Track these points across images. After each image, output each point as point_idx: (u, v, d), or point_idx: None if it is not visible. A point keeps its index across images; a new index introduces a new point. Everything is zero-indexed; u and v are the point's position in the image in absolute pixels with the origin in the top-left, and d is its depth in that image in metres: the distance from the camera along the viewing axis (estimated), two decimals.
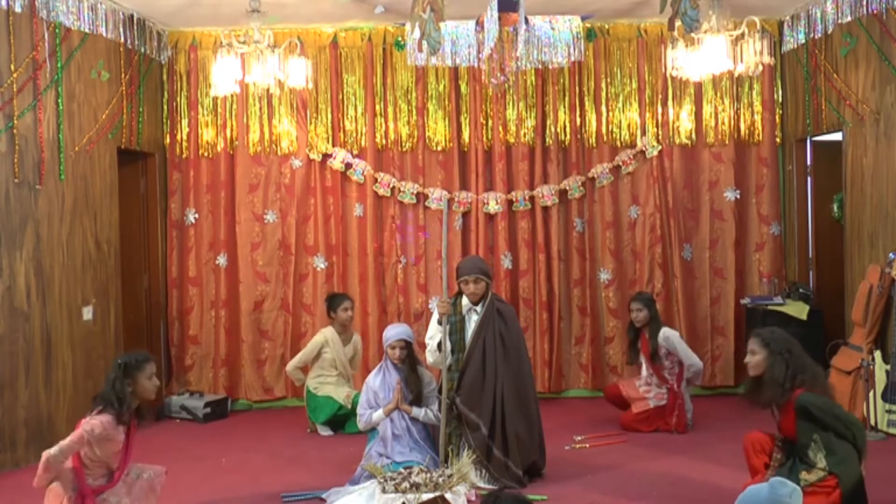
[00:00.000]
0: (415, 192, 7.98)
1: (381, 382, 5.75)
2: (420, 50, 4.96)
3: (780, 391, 4.41)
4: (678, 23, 4.95)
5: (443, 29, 5.16)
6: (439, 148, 8.01)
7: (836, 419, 4.35)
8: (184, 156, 8.01)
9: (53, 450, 4.03)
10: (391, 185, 7.98)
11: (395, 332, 5.78)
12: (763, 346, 4.52)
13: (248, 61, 6.18)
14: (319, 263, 8.02)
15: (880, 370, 6.30)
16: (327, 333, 7.13)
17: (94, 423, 4.16)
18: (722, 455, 5.84)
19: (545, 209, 8.01)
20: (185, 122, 7.99)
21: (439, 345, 5.58)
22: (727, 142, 8.04)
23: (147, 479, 4.42)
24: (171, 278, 8.00)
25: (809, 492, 4.27)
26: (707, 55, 5.70)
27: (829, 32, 7.20)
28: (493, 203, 7.94)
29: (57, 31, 6.39)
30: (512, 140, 8.00)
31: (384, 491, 5.05)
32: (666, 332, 6.72)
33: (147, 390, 4.35)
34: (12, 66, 6.01)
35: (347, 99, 8.00)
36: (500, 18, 5.42)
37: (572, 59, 5.97)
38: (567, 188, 7.99)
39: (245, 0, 6.33)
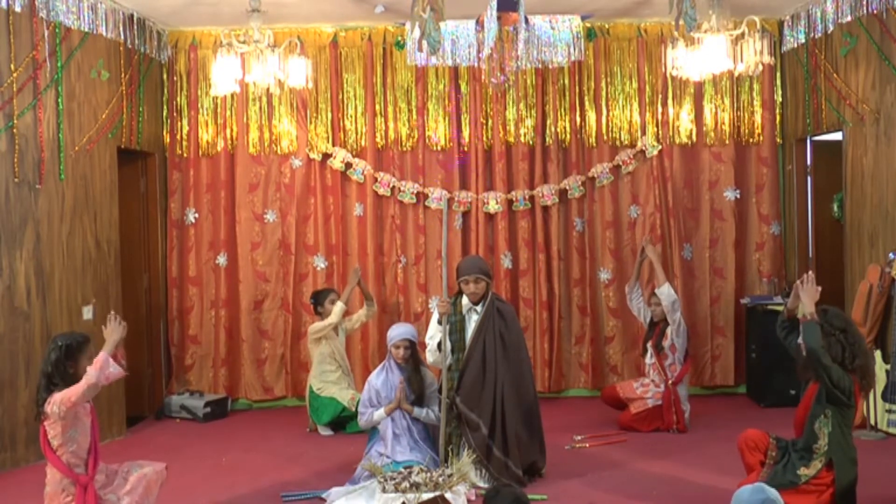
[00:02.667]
0: (415, 191, 7.98)
1: (383, 381, 5.75)
2: (420, 49, 4.96)
3: (841, 371, 4.31)
4: (681, 22, 4.95)
5: (443, 29, 5.15)
6: (439, 148, 8.01)
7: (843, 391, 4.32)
8: (184, 155, 8.01)
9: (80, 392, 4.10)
10: (391, 185, 7.98)
11: (399, 331, 5.78)
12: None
13: (248, 61, 6.18)
14: (319, 263, 8.02)
15: (880, 370, 6.30)
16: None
17: (56, 396, 4.15)
18: (721, 455, 5.84)
19: (545, 209, 8.01)
20: (185, 121, 7.99)
21: (439, 344, 5.57)
22: (727, 141, 8.04)
23: (145, 475, 4.42)
24: (171, 278, 7.99)
25: (804, 489, 4.29)
26: (707, 55, 5.71)
27: (829, 32, 7.20)
28: (493, 203, 7.94)
29: (57, 30, 6.39)
30: (512, 140, 8.00)
31: (384, 490, 5.06)
32: (670, 290, 6.69)
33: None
34: (12, 66, 6.01)
35: (347, 99, 8.00)
36: (500, 18, 5.43)
37: (572, 58, 5.98)
38: (567, 188, 7.98)
39: (245, 0, 6.33)
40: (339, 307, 7.05)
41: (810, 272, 4.52)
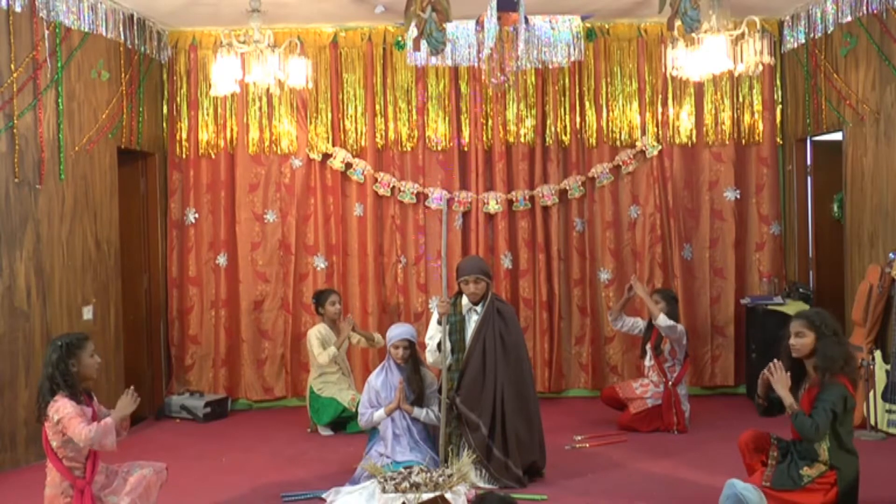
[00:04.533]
0: (415, 191, 7.98)
1: (383, 382, 5.75)
2: (417, 49, 4.94)
3: (830, 373, 4.31)
4: (678, 22, 4.95)
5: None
6: (439, 148, 8.01)
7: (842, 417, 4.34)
8: (184, 156, 8.00)
9: (89, 435, 4.12)
10: (391, 185, 7.98)
11: (398, 331, 5.77)
12: (811, 328, 4.38)
13: (248, 61, 6.19)
14: (319, 263, 8.02)
15: (880, 370, 6.30)
16: (321, 329, 7.12)
17: (60, 405, 4.16)
18: (721, 455, 5.83)
19: (545, 209, 8.01)
20: (185, 121, 7.99)
21: (439, 345, 5.58)
22: (727, 142, 8.03)
23: (145, 475, 4.42)
24: (171, 278, 7.99)
25: (810, 488, 4.30)
26: (707, 55, 5.70)
27: (830, 32, 7.20)
28: (493, 203, 7.94)
29: (57, 30, 6.39)
30: (512, 140, 8.00)
31: (384, 491, 5.05)
32: (666, 319, 6.66)
33: (90, 368, 4.37)
34: (12, 66, 6.01)
35: (347, 99, 8.00)
36: (500, 18, 5.43)
37: (572, 58, 5.98)
38: (567, 188, 7.98)
39: (245, 0, 6.33)
40: (331, 352, 6.96)
41: (776, 360, 4.41)
